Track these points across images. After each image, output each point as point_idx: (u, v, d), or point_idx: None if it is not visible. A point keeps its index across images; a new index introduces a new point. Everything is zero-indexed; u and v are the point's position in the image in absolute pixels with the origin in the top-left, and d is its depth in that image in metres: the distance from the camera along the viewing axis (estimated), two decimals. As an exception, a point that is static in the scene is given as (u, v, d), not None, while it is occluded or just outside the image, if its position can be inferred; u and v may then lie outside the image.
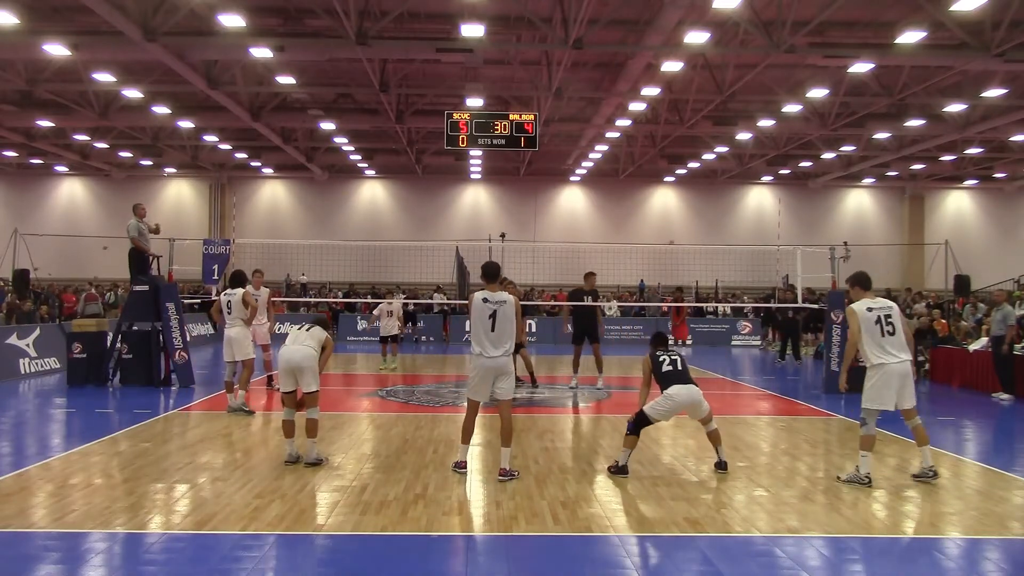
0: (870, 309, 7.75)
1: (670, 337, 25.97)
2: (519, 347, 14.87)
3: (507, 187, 37.86)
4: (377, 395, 13.76)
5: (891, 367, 7.60)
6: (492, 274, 7.99)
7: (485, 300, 7.73)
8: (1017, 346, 14.58)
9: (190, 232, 33.16)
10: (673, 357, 8.15)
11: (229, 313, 11.46)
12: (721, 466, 8.16)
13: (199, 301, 23.85)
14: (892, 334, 7.67)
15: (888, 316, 7.72)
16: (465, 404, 8.12)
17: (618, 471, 7.95)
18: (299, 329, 8.44)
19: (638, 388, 8.51)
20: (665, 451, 9.31)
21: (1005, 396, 14.09)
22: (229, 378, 11.54)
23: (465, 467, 7.93)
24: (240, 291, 11.50)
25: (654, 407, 7.97)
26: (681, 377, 8.02)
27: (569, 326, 15.01)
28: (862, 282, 8.04)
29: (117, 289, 27.28)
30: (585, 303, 14.64)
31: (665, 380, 8.01)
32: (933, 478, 7.80)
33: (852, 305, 7.91)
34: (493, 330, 7.66)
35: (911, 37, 17.56)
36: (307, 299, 29.67)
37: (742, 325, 27.85)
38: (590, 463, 8.57)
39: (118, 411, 12.05)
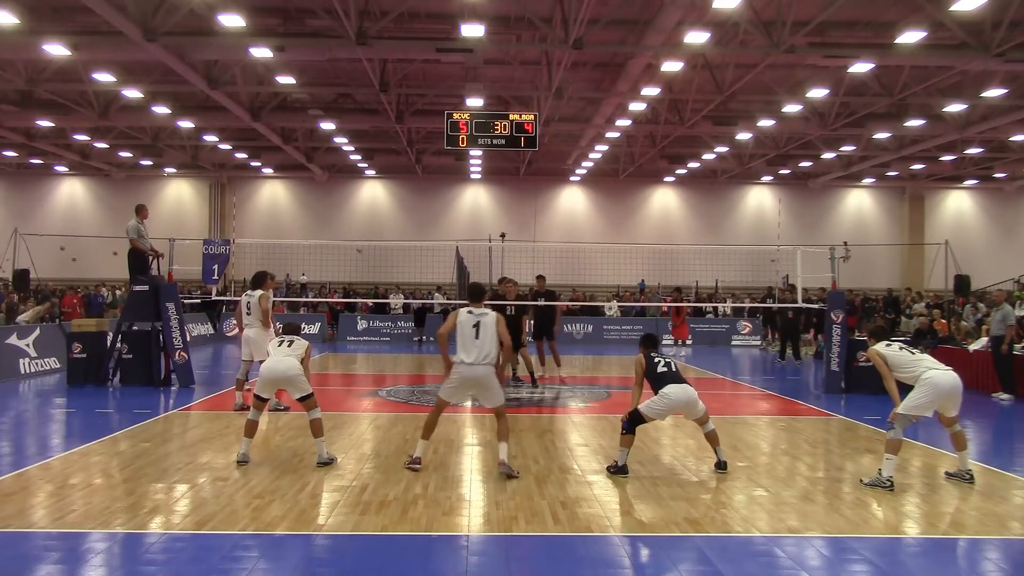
0: (889, 344, 8.13)
1: (669, 338, 26.10)
2: (519, 347, 15.02)
3: (507, 187, 37.85)
4: (377, 395, 13.76)
5: (939, 378, 7.73)
6: (477, 295, 8.27)
7: (469, 312, 7.97)
8: (1017, 346, 14.58)
9: (190, 232, 33.18)
10: (667, 359, 8.21)
11: (248, 314, 11.57)
12: (721, 466, 8.16)
13: (199, 301, 23.88)
14: (923, 352, 8.07)
15: (908, 343, 8.23)
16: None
17: (617, 471, 7.96)
18: (279, 345, 8.51)
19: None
20: (665, 451, 9.31)
21: (1005, 396, 14.09)
22: (242, 376, 11.63)
23: (419, 463, 7.99)
24: (259, 293, 11.59)
25: (649, 406, 7.99)
26: (676, 378, 8.04)
27: (531, 324, 16.06)
28: (877, 335, 8.42)
29: (116, 290, 27.28)
30: (539, 303, 15.72)
31: (660, 380, 8.02)
32: (969, 481, 7.84)
33: (872, 348, 8.17)
34: (477, 337, 7.84)
35: (911, 37, 17.55)
36: (307, 299, 29.66)
37: (742, 325, 27.83)
38: (590, 463, 8.57)
39: (118, 411, 12.05)
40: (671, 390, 7.93)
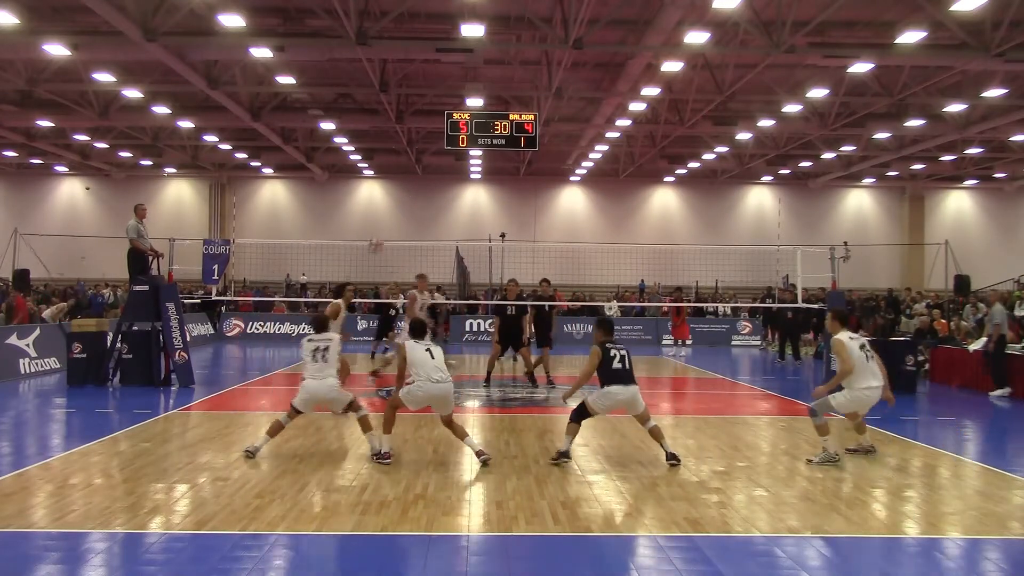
0: (852, 339, 8.56)
1: (670, 338, 26.04)
2: (519, 347, 15.02)
3: (507, 187, 37.86)
4: (377, 395, 13.75)
5: (872, 396, 8.44)
6: (420, 331, 8.64)
7: (416, 342, 8.39)
8: (1017, 346, 14.59)
9: (190, 232, 33.15)
10: (622, 353, 8.37)
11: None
12: (671, 458, 8.31)
13: (199, 301, 23.89)
14: (873, 359, 8.55)
15: (866, 345, 8.66)
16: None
17: (560, 456, 8.31)
18: (314, 360, 8.55)
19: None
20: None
21: (998, 392, 14.24)
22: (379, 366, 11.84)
23: (389, 457, 8.22)
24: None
25: (595, 401, 8.32)
26: (625, 377, 8.26)
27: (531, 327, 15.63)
28: (843, 320, 8.82)
29: (116, 289, 27.28)
30: (510, 312, 15.05)
31: (611, 377, 8.24)
32: (872, 452, 8.83)
33: (838, 336, 8.54)
34: (433, 358, 8.22)
35: (911, 37, 17.55)
36: (307, 299, 29.66)
37: (742, 325, 27.82)
38: (590, 463, 8.56)
39: (118, 411, 12.05)
40: (617, 389, 8.19)
